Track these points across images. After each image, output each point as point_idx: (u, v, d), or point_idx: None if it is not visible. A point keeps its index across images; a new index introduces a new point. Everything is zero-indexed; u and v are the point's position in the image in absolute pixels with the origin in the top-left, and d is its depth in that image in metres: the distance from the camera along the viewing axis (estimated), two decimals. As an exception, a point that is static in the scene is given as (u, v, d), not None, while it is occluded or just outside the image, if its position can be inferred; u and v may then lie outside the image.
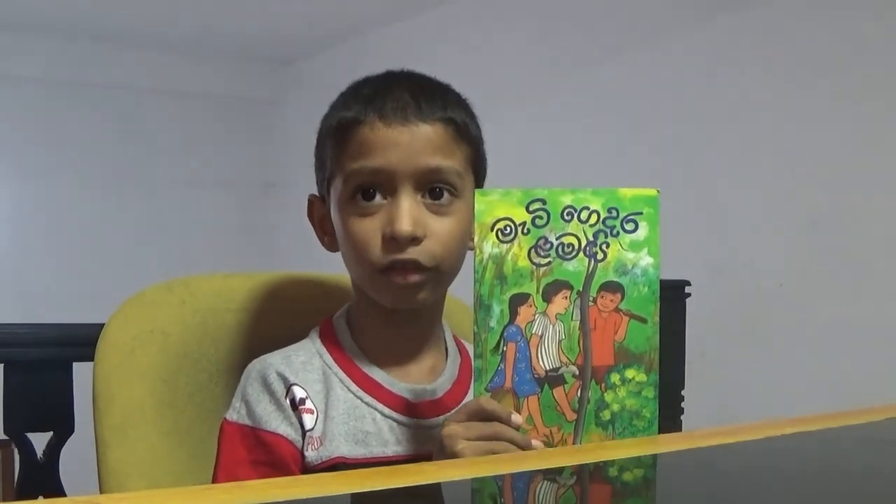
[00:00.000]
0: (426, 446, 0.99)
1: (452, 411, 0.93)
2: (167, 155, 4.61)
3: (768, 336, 2.55)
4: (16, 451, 1.43)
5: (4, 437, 1.43)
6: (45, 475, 1.41)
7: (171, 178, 4.59)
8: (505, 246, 0.88)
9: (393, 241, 0.97)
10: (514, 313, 0.88)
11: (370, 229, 0.99)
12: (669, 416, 1.79)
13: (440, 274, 1.00)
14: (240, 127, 4.81)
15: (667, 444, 0.89)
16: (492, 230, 0.88)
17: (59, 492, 1.42)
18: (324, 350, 1.05)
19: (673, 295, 1.80)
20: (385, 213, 0.98)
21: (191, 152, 4.67)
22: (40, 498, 1.43)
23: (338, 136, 1.02)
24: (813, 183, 2.47)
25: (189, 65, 4.60)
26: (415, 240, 0.97)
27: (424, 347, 1.06)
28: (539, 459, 0.82)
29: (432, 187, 0.99)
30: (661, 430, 0.93)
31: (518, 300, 0.88)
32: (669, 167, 2.84)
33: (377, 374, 1.03)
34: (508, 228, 0.88)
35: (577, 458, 0.82)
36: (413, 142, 0.98)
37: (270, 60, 4.73)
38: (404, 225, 0.97)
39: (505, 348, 0.88)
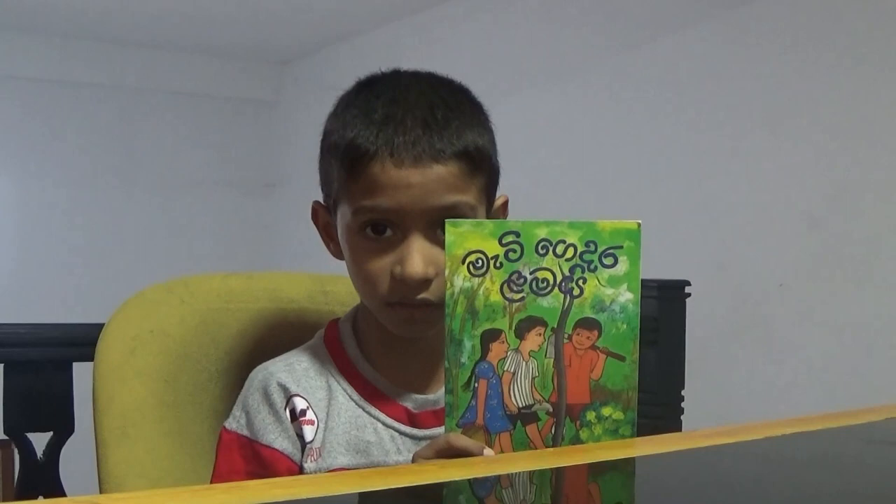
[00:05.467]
0: None
1: (420, 448, 0.90)
2: (167, 155, 4.61)
3: (768, 336, 2.55)
4: (16, 451, 1.43)
5: (4, 437, 1.43)
6: (45, 475, 1.41)
7: (172, 178, 4.59)
8: (476, 280, 0.83)
9: (402, 283, 0.95)
10: (485, 349, 0.84)
11: (380, 266, 0.96)
12: (669, 416, 1.78)
13: None
14: (240, 127, 4.81)
15: (667, 444, 0.89)
16: (463, 263, 0.83)
17: (59, 492, 1.42)
18: (328, 357, 1.04)
19: (673, 295, 1.80)
20: (396, 251, 0.96)
21: (191, 152, 4.67)
22: (40, 498, 1.43)
23: (345, 163, 0.97)
24: (813, 183, 2.47)
25: (189, 65, 4.60)
26: (425, 282, 0.95)
27: (428, 357, 1.04)
28: (539, 459, 0.82)
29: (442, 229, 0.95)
30: (661, 430, 0.92)
31: (490, 336, 0.84)
32: (669, 166, 2.84)
33: (380, 382, 1.03)
34: (480, 262, 0.83)
35: (577, 458, 0.82)
36: (426, 183, 0.94)
37: (270, 60, 4.73)
38: (415, 268, 0.94)
39: (476, 384, 0.84)
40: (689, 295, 1.83)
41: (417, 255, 0.95)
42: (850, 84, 2.39)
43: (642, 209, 2.64)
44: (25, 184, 4.39)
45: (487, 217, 1.03)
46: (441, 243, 0.93)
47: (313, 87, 4.38)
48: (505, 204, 1.08)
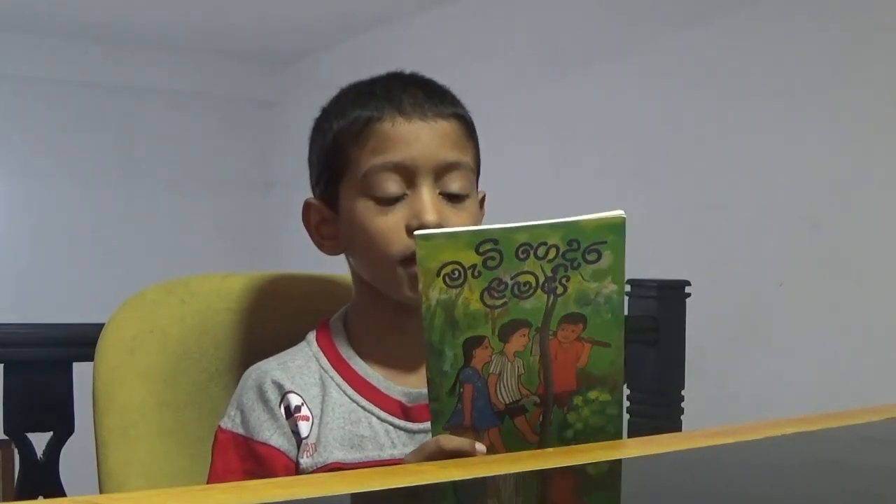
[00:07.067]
0: None
1: (408, 454, 0.89)
2: (167, 155, 4.61)
3: (768, 336, 2.55)
4: (16, 451, 1.43)
5: (4, 437, 1.43)
6: (45, 475, 1.41)
7: (172, 178, 4.59)
8: (454, 291, 0.80)
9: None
10: (469, 356, 0.82)
11: (392, 223, 0.99)
12: (669, 416, 1.79)
13: None
14: (240, 127, 4.81)
15: (667, 444, 0.89)
16: (437, 276, 0.79)
17: (59, 492, 1.42)
18: (320, 353, 1.05)
19: (673, 295, 1.80)
20: (407, 206, 0.99)
21: (191, 152, 4.67)
22: (40, 498, 1.43)
23: (353, 133, 1.01)
24: (813, 183, 2.47)
25: (189, 65, 4.60)
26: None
27: (420, 351, 1.05)
28: (538, 460, 0.82)
29: (448, 185, 1.01)
30: (661, 430, 0.92)
31: (473, 343, 0.82)
32: (669, 167, 2.84)
33: (373, 377, 1.03)
34: (456, 273, 0.80)
35: (576, 459, 0.82)
36: (433, 136, 1.00)
37: (270, 60, 4.73)
38: (431, 215, 0.97)
39: (461, 390, 0.83)
40: (689, 295, 1.83)
41: (431, 205, 0.98)
42: (850, 84, 2.39)
43: (642, 209, 2.64)
44: (25, 184, 4.38)
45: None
46: (445, 201, 0.99)
47: (313, 87, 4.37)
48: (483, 199, 1.11)
